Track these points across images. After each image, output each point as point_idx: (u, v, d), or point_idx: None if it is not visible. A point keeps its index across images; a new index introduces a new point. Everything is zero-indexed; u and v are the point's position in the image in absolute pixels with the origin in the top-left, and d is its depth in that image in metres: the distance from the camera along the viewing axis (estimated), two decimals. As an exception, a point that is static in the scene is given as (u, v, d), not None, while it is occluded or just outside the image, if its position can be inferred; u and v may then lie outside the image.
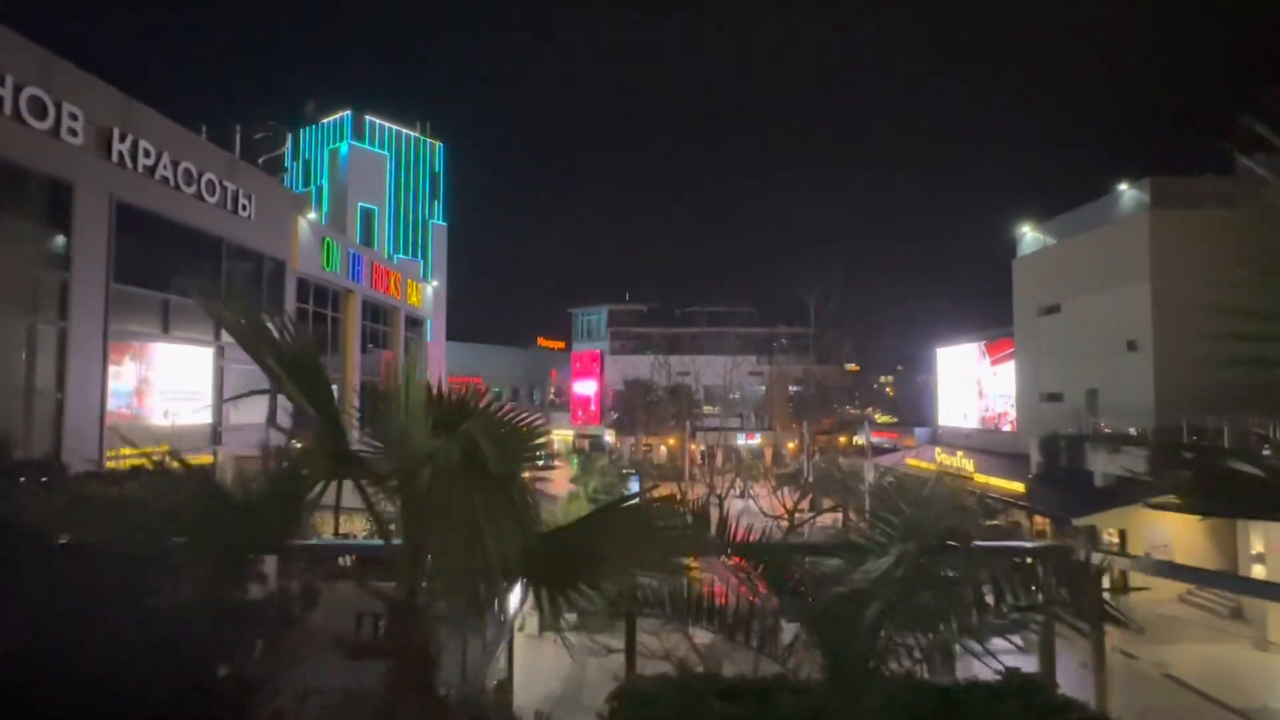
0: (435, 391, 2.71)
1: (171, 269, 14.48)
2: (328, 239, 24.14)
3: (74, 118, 11.92)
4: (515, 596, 13.39)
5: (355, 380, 25.99)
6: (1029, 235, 36.98)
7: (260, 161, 16.04)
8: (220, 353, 13.94)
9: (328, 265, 23.99)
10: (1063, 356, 32.50)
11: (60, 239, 12.15)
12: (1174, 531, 24.38)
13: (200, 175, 14.54)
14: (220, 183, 15.23)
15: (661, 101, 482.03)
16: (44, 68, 11.73)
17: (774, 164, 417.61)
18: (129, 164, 13.08)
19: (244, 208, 15.79)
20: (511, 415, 2.72)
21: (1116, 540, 25.14)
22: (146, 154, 13.43)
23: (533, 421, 2.73)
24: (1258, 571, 19.72)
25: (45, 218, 11.89)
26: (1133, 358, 27.54)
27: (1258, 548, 19.75)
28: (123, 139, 12.93)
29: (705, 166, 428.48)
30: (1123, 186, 29.17)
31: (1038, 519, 28.57)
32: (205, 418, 14.30)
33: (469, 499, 2.15)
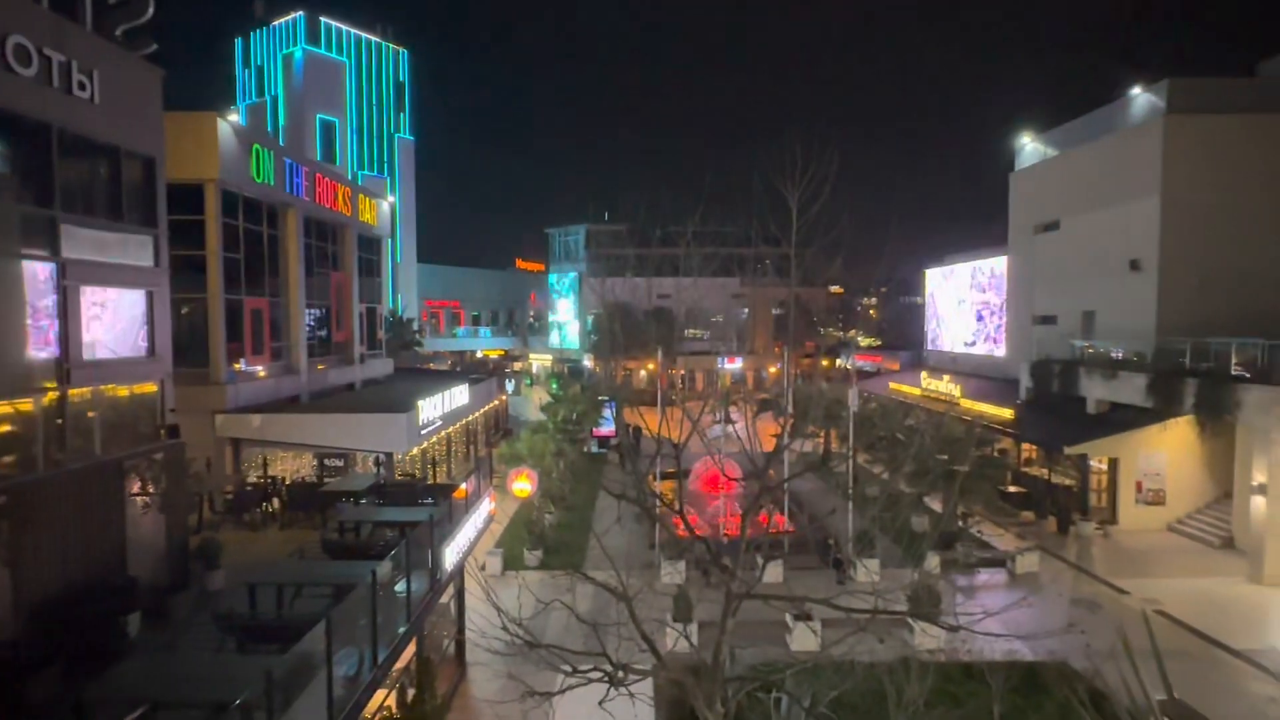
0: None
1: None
2: (257, 145, 21.51)
3: None
4: (454, 546, 11.15)
5: (300, 304, 23.84)
6: (1029, 146, 34.65)
7: (119, 32, 12.84)
8: (62, 271, 11.23)
9: (258, 176, 21.44)
10: (1059, 277, 30.84)
11: None
12: (1168, 462, 23.39)
13: (4, 38, 10.76)
14: (39, 51, 11.33)
15: (645, 9, 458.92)
16: None
17: (759, 72, 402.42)
18: None
19: (82, 86, 12.26)
20: None
21: (1105, 469, 24.16)
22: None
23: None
24: (1258, 503, 18.67)
25: None
26: (1134, 278, 25.94)
27: (1260, 478, 18.62)
28: None
29: (690, 78, 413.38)
30: (1136, 90, 26.80)
31: (1026, 447, 27.54)
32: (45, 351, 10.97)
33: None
